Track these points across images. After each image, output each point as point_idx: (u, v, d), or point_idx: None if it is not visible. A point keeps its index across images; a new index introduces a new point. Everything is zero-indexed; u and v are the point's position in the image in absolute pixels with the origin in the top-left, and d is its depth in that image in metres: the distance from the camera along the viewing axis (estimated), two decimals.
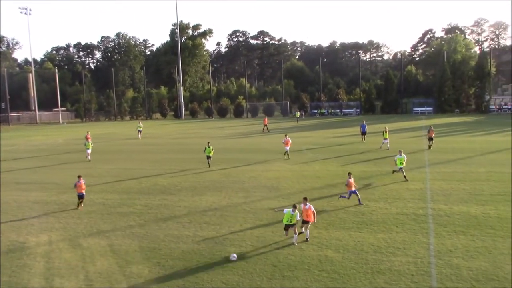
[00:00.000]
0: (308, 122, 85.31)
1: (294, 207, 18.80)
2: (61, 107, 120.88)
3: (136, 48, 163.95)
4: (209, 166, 36.91)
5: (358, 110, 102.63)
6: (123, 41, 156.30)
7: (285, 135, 42.03)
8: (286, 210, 18.99)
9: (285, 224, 18.93)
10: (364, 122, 51.37)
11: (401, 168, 29.45)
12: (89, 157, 43.49)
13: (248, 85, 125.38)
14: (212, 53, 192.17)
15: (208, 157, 37.31)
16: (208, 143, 37.87)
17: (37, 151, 53.87)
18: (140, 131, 62.93)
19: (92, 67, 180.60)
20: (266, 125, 69.27)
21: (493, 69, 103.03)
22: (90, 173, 36.89)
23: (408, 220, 21.61)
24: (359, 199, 24.64)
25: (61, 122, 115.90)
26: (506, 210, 22.54)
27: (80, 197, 25.21)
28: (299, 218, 18.82)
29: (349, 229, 20.61)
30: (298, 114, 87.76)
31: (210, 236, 20.34)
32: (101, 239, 20.52)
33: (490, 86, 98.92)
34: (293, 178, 32.34)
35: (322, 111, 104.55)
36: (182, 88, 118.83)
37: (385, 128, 45.32)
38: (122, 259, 17.94)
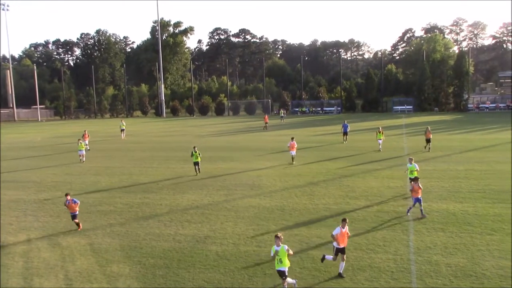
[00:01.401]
0: (290, 120, 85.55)
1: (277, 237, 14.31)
2: (39, 104, 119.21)
3: (117, 45, 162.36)
4: (197, 173, 33.36)
5: (339, 108, 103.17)
6: (103, 38, 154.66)
7: (292, 138, 37.71)
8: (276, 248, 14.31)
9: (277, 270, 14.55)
10: (346, 122, 50.23)
11: (411, 179, 23.94)
12: (83, 159, 41.01)
13: (229, 83, 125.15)
14: (193, 50, 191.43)
15: (196, 163, 33.55)
16: (194, 147, 34.07)
17: (15, 149, 53.06)
18: (123, 130, 61.14)
19: (72, 64, 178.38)
20: (266, 123, 68.73)
21: (471, 69, 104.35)
22: (70, 172, 36.51)
23: (388, 218, 21.82)
24: (421, 210, 21.67)
25: (39, 119, 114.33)
26: (483, 207, 22.89)
27: (73, 217, 21.75)
28: (288, 251, 14.33)
29: (330, 227, 20.63)
30: (282, 112, 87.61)
31: (191, 234, 20.28)
32: (81, 238, 20.31)
33: (469, 85, 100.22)
34: (274, 176, 32.39)
35: (304, 109, 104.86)
36: (163, 85, 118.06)
37: (379, 128, 44.05)
38: (103, 258, 17.78)
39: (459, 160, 36.48)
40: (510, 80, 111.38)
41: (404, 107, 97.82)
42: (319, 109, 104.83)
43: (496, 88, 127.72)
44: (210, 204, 25.34)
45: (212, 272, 16.23)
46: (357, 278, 15.42)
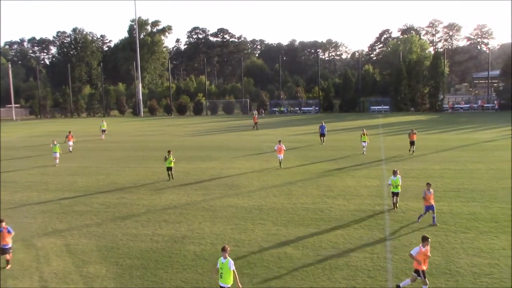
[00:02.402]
0: (268, 120, 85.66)
1: None
2: (14, 103, 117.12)
3: (93, 44, 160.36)
4: (170, 179, 31.42)
5: (317, 108, 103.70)
6: (80, 36, 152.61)
7: (279, 141, 36.06)
8: None
9: None
10: (324, 123, 48.89)
11: (395, 193, 23.09)
12: (57, 161, 38.91)
13: (207, 83, 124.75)
14: (171, 50, 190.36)
15: (169, 169, 31.61)
16: (169, 152, 32.11)
17: None
18: (104, 131, 59.49)
19: (48, 62, 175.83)
20: (256, 123, 67.96)
21: (446, 69, 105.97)
22: (46, 172, 36.00)
23: (366, 217, 22.04)
24: (434, 218, 20.73)
25: (14, 119, 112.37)
26: (457, 206, 23.29)
27: (3, 251, 16.98)
28: (230, 268, 13.38)
29: (308, 226, 20.84)
30: (255, 113, 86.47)
31: (169, 234, 20.19)
32: (56, 238, 20.05)
33: (444, 86, 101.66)
34: (252, 175, 32.43)
35: (282, 109, 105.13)
36: (140, 85, 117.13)
37: (363, 130, 42.33)
38: (79, 259, 17.59)
39: (434, 159, 37.02)
40: (484, 81, 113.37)
41: (381, 107, 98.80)
42: (297, 109, 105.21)
43: (471, 89, 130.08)
44: (188, 203, 25.25)
45: (190, 272, 16.18)
46: (334, 277, 15.54)
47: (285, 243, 18.78)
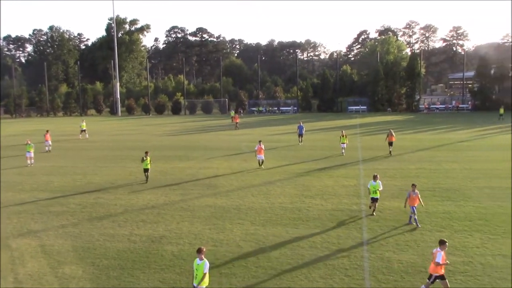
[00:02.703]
0: (246, 120, 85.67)
1: None
2: None
3: (70, 42, 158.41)
4: (147, 181, 30.54)
5: (296, 108, 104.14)
6: (57, 34, 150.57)
7: (259, 142, 35.44)
8: None
9: None
10: (301, 123, 48.84)
11: (374, 199, 22.45)
12: (32, 162, 37.85)
13: (186, 82, 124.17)
14: (149, 49, 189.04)
15: (146, 170, 30.69)
16: (146, 153, 31.12)
17: None
18: (84, 130, 58.33)
19: (23, 61, 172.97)
20: (237, 123, 67.69)
21: (423, 70, 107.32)
22: (21, 172, 35.44)
23: (343, 216, 22.23)
24: (415, 218, 20.63)
25: None
26: (433, 205, 23.65)
27: None
28: (204, 269, 13.15)
29: (286, 226, 20.94)
30: (232, 113, 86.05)
31: (147, 234, 20.08)
32: (31, 239, 19.77)
33: (420, 87, 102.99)
34: (231, 175, 32.44)
35: (260, 108, 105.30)
36: (118, 84, 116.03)
37: (342, 131, 41.89)
38: (54, 260, 17.37)
39: (410, 159, 37.50)
40: (459, 82, 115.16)
41: (358, 107, 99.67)
42: (276, 108, 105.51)
43: (446, 90, 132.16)
44: (166, 203, 25.14)
45: (167, 273, 16.13)
46: (311, 276, 15.65)
47: (263, 242, 18.84)
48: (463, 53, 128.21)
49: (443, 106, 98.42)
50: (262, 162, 34.80)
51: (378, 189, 22.24)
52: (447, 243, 14.17)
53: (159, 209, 23.99)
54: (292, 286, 14.99)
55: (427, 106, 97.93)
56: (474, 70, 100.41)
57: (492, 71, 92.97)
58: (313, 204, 24.37)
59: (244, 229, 20.47)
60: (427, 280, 14.13)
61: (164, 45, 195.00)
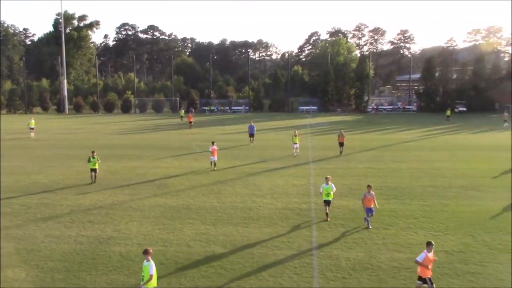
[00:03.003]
0: (198, 119, 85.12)
1: None
2: None
3: (15, 37, 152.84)
4: (93, 182, 29.58)
5: (247, 107, 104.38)
6: (1, 29, 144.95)
7: (212, 143, 34.97)
8: None
9: None
10: (252, 123, 48.58)
11: (327, 201, 21.73)
12: None
13: (136, 80, 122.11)
14: (99, 45, 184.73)
15: (93, 170, 29.70)
16: (93, 152, 30.11)
17: None
18: (32, 129, 56.49)
19: None
20: (191, 122, 66.38)
21: (371, 72, 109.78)
22: None
23: (293, 215, 22.46)
24: (368, 220, 20.61)
25: None
26: (380, 204, 24.08)
27: None
28: (151, 271, 12.97)
29: (237, 225, 20.97)
30: (182, 112, 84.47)
31: (94, 235, 19.63)
32: None
33: (369, 88, 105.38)
34: (182, 174, 32.17)
35: (212, 108, 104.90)
36: (65, 81, 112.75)
37: (295, 132, 41.43)
38: None
39: (359, 158, 38.31)
40: (406, 84, 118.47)
41: (309, 107, 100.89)
42: (228, 108, 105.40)
43: (394, 91, 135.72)
44: (114, 204, 24.66)
45: (115, 274, 15.82)
46: (261, 275, 15.74)
47: (214, 242, 18.80)
48: (409, 56, 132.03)
49: (391, 107, 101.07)
50: (215, 163, 34.06)
51: (331, 192, 21.62)
52: (433, 245, 13.99)
53: (107, 209, 23.50)
54: (242, 285, 15.02)
55: (375, 107, 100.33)
56: (420, 72, 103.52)
57: (437, 74, 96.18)
58: (263, 203, 24.51)
59: (194, 229, 20.36)
60: (417, 282, 14.02)
61: (114, 42, 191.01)
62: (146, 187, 28.48)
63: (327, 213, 21.69)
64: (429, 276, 13.81)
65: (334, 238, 19.13)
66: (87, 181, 29.80)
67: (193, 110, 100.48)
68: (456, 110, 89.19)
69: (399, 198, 25.55)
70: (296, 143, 40.23)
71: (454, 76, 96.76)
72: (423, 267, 13.77)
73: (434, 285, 13.84)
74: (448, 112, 75.00)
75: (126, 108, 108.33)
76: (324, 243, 18.60)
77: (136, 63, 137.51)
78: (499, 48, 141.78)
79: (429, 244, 13.94)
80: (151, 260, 13.05)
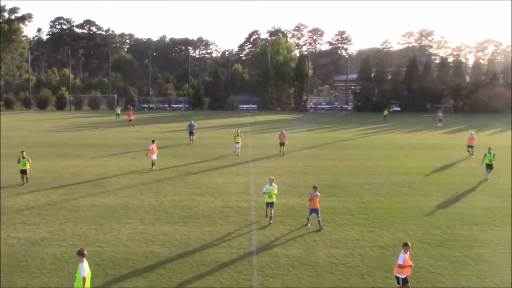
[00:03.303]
0: (137, 117, 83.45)
1: None
2: None
3: None
4: (24, 183, 28.01)
5: (187, 105, 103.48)
6: None
7: (153, 141, 33.84)
8: None
9: None
10: (192, 121, 47.99)
11: (269, 204, 21.08)
12: None
13: (72, 76, 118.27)
14: (32, 39, 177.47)
15: (23, 172, 28.03)
16: (23, 152, 28.64)
17: None
18: None
19: None
20: (131, 120, 64.17)
21: (310, 72, 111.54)
22: None
23: (233, 213, 22.48)
24: (319, 221, 20.37)
25: None
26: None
27: None
28: (82, 273, 12.59)
29: (176, 224, 20.75)
30: (119, 110, 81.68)
31: (26, 237, 18.84)
32: None
33: (308, 87, 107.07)
34: (119, 173, 31.46)
35: (151, 105, 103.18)
36: None
37: (237, 131, 40.72)
38: None
39: (298, 157, 38.86)
40: (343, 84, 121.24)
41: (249, 106, 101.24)
42: (167, 105, 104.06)
43: (332, 91, 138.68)
44: (48, 204, 23.76)
45: (49, 276, 15.26)
46: (201, 273, 15.66)
47: (152, 241, 18.52)
48: (347, 56, 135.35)
49: (329, 106, 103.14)
50: (154, 163, 33.12)
51: (274, 193, 20.93)
52: (408, 245, 14.11)
53: (40, 210, 22.61)
54: (182, 285, 14.87)
55: (313, 106, 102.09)
56: (357, 73, 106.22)
57: (373, 75, 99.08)
58: (203, 202, 24.38)
59: (132, 229, 19.96)
60: (398, 285, 14.19)
61: (48, 37, 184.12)
62: (82, 186, 27.65)
63: (270, 216, 21.01)
64: (403, 276, 13.99)
65: (274, 236, 19.31)
66: (19, 181, 28.46)
67: (131, 108, 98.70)
68: (390, 109, 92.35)
69: (337, 195, 26.12)
70: (239, 142, 39.73)
71: (389, 77, 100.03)
72: (402, 268, 13.92)
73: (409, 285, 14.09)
74: (385, 112, 76.99)
75: (60, 105, 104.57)
76: (264, 241, 18.74)
77: (72, 59, 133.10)
78: (430, 50, 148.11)
79: (405, 245, 14.10)
80: (85, 262, 12.67)
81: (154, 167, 33.08)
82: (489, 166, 30.32)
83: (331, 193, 26.56)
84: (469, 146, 39.38)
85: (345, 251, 17.68)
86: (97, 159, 36.80)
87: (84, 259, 12.67)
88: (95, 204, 23.68)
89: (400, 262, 13.96)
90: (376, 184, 28.97)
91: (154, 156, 33.21)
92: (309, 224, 20.61)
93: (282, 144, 39.92)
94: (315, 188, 20.63)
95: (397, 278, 14.18)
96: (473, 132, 41.90)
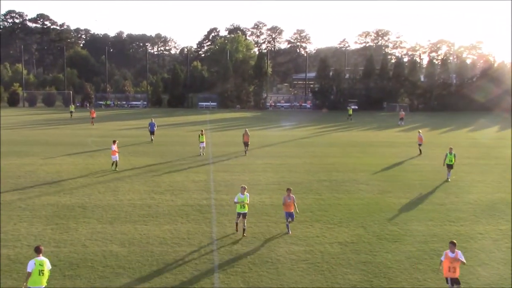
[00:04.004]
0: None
1: None
2: None
3: None
4: None
5: (145, 103, 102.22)
6: None
7: (114, 141, 32.10)
8: None
9: None
10: (153, 120, 47.11)
11: (241, 214, 19.12)
12: None
13: (25, 72, 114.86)
14: None
15: None
16: None
17: None
18: None
19: None
20: (93, 118, 61.94)
21: (269, 70, 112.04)
22: None
23: (193, 211, 22.37)
24: (287, 225, 19.65)
25: None
26: (278, 198, 24.72)
27: None
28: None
29: (135, 223, 20.48)
30: (72, 107, 78.51)
31: None
32: None
33: (267, 85, 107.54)
34: (76, 171, 30.77)
35: (108, 102, 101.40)
36: None
37: (202, 131, 39.82)
38: None
39: (257, 154, 38.98)
40: (302, 82, 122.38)
41: (208, 103, 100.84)
42: (125, 103, 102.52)
43: (291, 89, 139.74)
44: (1, 203, 22.99)
45: (3, 278, 14.80)
46: (161, 272, 15.51)
47: (111, 241, 18.21)
48: (305, 55, 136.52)
49: (288, 104, 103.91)
50: (116, 163, 31.60)
51: (246, 203, 19.23)
52: (455, 243, 13.80)
53: None
54: (142, 284, 14.69)
55: (273, 104, 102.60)
56: (315, 71, 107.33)
57: (331, 74, 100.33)
58: (163, 200, 24.15)
59: (90, 228, 19.58)
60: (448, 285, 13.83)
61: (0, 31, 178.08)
62: (37, 185, 26.90)
63: (244, 229, 19.14)
64: (453, 277, 13.65)
65: (234, 234, 19.31)
66: None
67: (88, 105, 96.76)
68: (348, 108, 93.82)
69: (296, 192, 26.15)
70: (203, 141, 38.45)
71: (347, 75, 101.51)
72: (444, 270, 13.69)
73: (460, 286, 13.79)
74: (350, 111, 75.32)
75: (13, 102, 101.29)
76: (224, 239, 18.73)
77: (25, 54, 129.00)
78: (386, 50, 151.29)
79: (451, 243, 13.84)
80: (40, 258, 12.65)
81: (114, 168, 31.48)
82: (450, 166, 30.06)
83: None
84: (419, 144, 40.30)
85: (305, 248, 17.87)
86: (52, 158, 35.87)
87: (41, 255, 12.66)
88: (51, 203, 23.09)
89: (462, 259, 13.57)
90: (335, 181, 29.39)
91: (116, 157, 31.67)
92: (290, 232, 19.41)
93: (246, 143, 39.09)
94: (289, 190, 19.70)
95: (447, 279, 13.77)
96: (420, 131, 43.08)
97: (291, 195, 19.47)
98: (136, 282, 14.80)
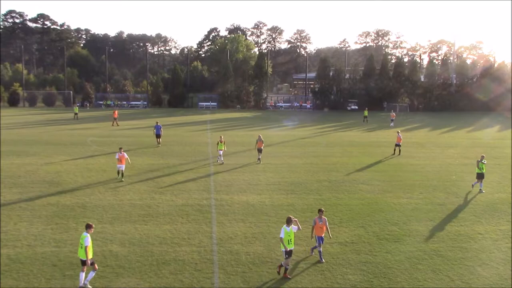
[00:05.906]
0: (93, 114, 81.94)
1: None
2: None
3: None
4: None
5: (145, 103, 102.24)
6: None
7: (120, 149, 29.02)
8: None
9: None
10: (158, 123, 43.95)
11: (289, 252, 15.48)
12: None
13: (25, 72, 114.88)
14: None
15: None
16: None
17: None
18: None
19: None
20: (116, 118, 61.13)
21: (270, 70, 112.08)
22: None
23: (193, 211, 22.37)
24: (320, 251, 16.90)
25: None
26: (278, 198, 24.88)
27: None
28: None
29: (135, 222, 20.48)
30: (76, 109, 77.84)
31: None
32: None
33: (267, 85, 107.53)
34: (76, 171, 30.77)
35: (108, 102, 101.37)
36: None
37: (221, 137, 35.95)
38: None
39: (258, 154, 38.88)
40: (302, 82, 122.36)
41: (209, 103, 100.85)
42: (125, 102, 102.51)
43: (291, 89, 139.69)
44: (1, 203, 22.99)
45: (3, 278, 14.80)
46: (161, 272, 15.51)
47: (111, 240, 18.22)
48: (306, 55, 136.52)
49: (288, 104, 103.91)
50: (122, 173, 28.78)
51: (292, 238, 15.56)
52: None
53: None
54: (142, 284, 14.70)
55: (273, 104, 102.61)
56: (316, 71, 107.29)
57: (331, 74, 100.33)
58: (163, 200, 24.16)
59: None
60: None
61: (0, 31, 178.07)
62: (37, 185, 26.91)
63: (286, 268, 15.54)
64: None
65: (234, 234, 19.32)
66: None
67: (87, 104, 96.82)
68: (348, 108, 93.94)
69: (297, 192, 26.36)
70: (222, 149, 34.99)
71: (347, 76, 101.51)
72: None
73: None
74: (366, 113, 71.89)
75: (13, 101, 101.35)
76: (224, 239, 18.73)
77: (25, 54, 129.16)
78: (387, 50, 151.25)
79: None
80: (88, 234, 14.38)
81: (120, 177, 28.64)
82: (481, 176, 27.45)
83: (291, 190, 26.78)
84: (396, 145, 40.10)
85: (305, 248, 17.87)
86: (53, 157, 35.88)
87: (88, 231, 14.50)
88: (51, 203, 23.10)
89: None
90: (335, 181, 29.39)
91: (122, 166, 28.68)
92: (312, 253, 17.33)
93: (260, 150, 35.90)
94: (320, 212, 17.10)
95: None
96: (399, 131, 43.14)
97: (323, 217, 16.99)
98: (136, 282, 14.81)
